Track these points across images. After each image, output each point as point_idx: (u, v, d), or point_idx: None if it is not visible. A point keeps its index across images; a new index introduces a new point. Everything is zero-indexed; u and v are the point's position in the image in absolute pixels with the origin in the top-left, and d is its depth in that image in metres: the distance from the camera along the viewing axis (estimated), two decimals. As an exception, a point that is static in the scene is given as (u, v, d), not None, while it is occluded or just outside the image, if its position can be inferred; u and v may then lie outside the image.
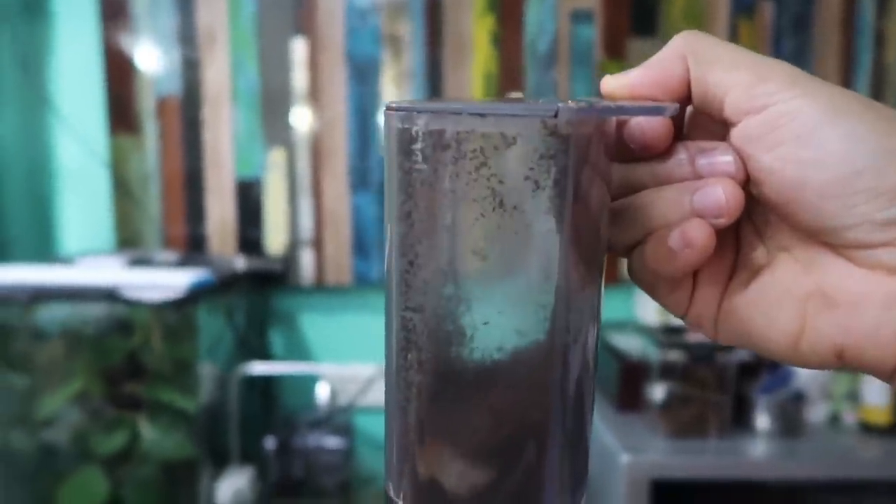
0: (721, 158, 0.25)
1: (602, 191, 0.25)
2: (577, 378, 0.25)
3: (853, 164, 0.22)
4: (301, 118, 1.32)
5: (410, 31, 1.31)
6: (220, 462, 1.13)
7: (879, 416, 1.04)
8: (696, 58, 0.25)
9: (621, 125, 0.26)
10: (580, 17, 1.32)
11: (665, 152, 0.26)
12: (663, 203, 0.26)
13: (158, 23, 1.30)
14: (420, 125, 0.23)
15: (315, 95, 1.32)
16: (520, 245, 0.23)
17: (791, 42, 1.35)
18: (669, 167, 0.26)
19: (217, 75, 1.31)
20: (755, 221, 0.27)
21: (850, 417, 1.08)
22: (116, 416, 1.05)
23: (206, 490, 1.07)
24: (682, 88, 0.25)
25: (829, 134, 0.22)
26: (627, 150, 0.26)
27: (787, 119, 0.23)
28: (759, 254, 0.26)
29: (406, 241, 0.24)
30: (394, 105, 0.24)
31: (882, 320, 0.23)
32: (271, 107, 1.32)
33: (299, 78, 1.32)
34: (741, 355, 1.08)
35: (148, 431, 1.05)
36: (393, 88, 1.32)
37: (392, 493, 0.27)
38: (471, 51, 1.32)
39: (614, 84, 0.26)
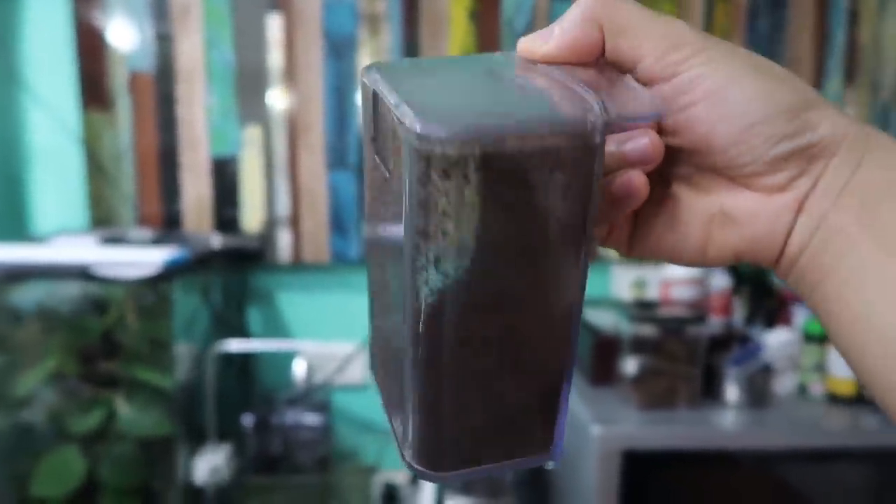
0: None
1: None
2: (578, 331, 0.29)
3: (750, 118, 0.27)
4: (277, 95, 1.31)
5: (388, 7, 1.30)
6: (197, 439, 1.13)
7: (845, 387, 1.07)
8: (608, 25, 0.28)
9: None
10: (557, -6, 1.32)
11: None
12: None
13: (130, -3, 1.28)
14: (458, 149, 0.23)
15: (291, 72, 1.31)
16: (550, 239, 0.25)
17: (766, 21, 1.36)
18: None
19: (191, 51, 1.30)
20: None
21: (816, 388, 1.10)
22: (92, 394, 1.05)
23: (183, 467, 1.08)
24: (598, 52, 0.28)
25: (729, 95, 0.27)
26: None
27: (694, 84, 0.27)
28: (664, 185, 0.31)
29: (445, 257, 0.24)
30: (428, 135, 0.23)
31: (771, 228, 0.28)
32: (247, 83, 1.31)
33: (275, 54, 1.31)
34: (712, 329, 1.10)
35: (124, 409, 1.05)
36: (369, 65, 1.31)
37: (410, 459, 0.28)
38: (448, 27, 1.31)
39: (538, 54, 0.29)
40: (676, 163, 0.30)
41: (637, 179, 0.28)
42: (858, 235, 0.27)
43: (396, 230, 0.26)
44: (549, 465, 0.30)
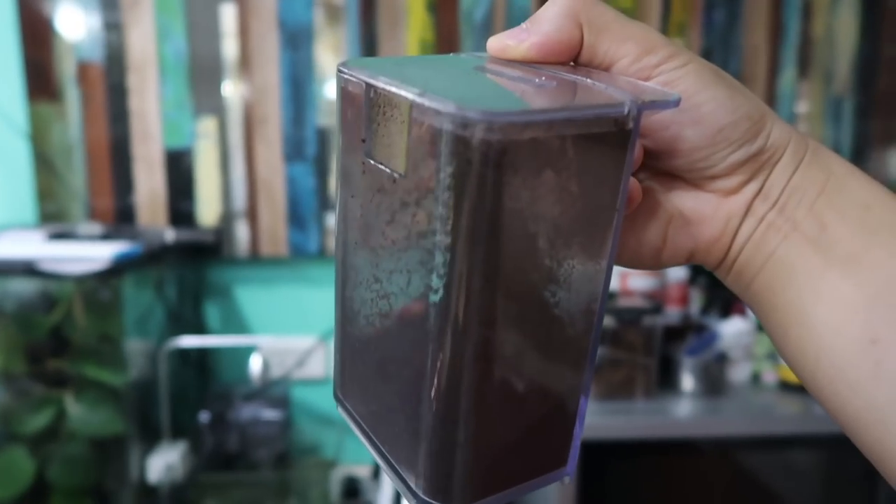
0: None
1: None
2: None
3: (718, 122, 0.28)
4: (232, 86, 1.29)
5: (344, -3, 1.28)
6: (151, 437, 1.11)
7: (797, 374, 1.09)
8: (589, 24, 0.27)
9: None
10: (516, -16, 1.31)
11: None
12: None
13: (78, -15, 1.24)
14: (513, 136, 0.22)
15: (246, 62, 1.28)
16: (590, 228, 0.25)
17: (722, 13, 1.37)
18: None
19: (142, 40, 1.26)
20: None
21: (770, 376, 1.12)
22: (41, 393, 1.02)
23: (136, 466, 1.06)
24: (576, 52, 0.28)
25: (700, 99, 0.27)
26: None
27: (668, 87, 0.27)
28: None
29: (490, 262, 0.23)
30: (473, 121, 0.21)
31: (723, 229, 0.30)
32: (201, 74, 1.28)
33: (230, 44, 1.28)
34: (668, 319, 1.11)
35: (74, 408, 1.02)
36: (327, 55, 1.29)
37: (414, 486, 0.26)
38: (406, 17, 1.30)
39: (513, 55, 0.28)
40: (642, 167, 0.30)
41: (636, 183, 0.29)
42: (790, 232, 0.28)
43: (406, 235, 0.24)
44: (566, 480, 0.29)
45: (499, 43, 0.28)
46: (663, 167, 0.30)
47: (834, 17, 1.40)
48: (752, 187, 0.29)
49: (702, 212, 0.30)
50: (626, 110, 0.24)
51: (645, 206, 0.30)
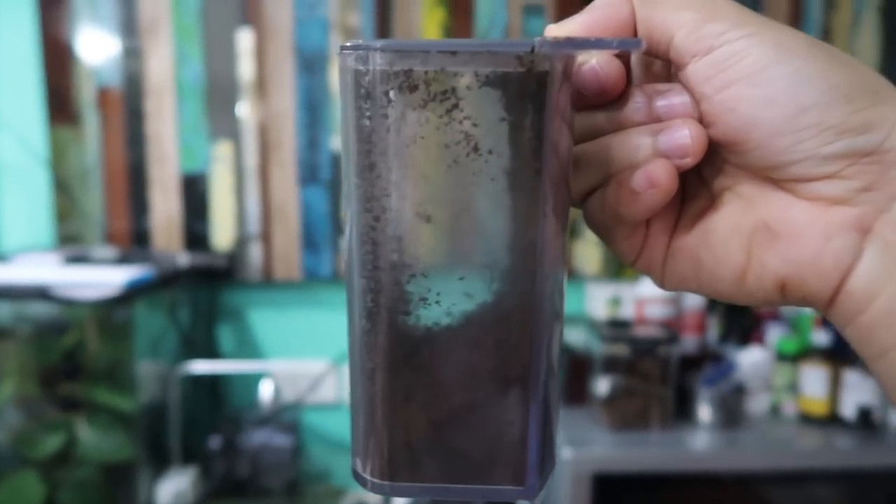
0: (678, 99, 0.25)
1: (569, 136, 0.24)
2: (552, 328, 0.24)
3: (801, 101, 0.22)
4: (248, 110, 1.30)
5: (360, 21, 1.29)
6: (161, 462, 1.10)
7: (818, 406, 1.06)
8: None
9: (575, 72, 0.26)
10: (532, 10, 1.31)
11: (620, 97, 0.26)
12: (624, 146, 0.25)
13: (99, 10, 1.26)
14: (384, 65, 0.21)
15: (262, 87, 1.29)
16: (498, 192, 0.22)
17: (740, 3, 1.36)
18: (627, 111, 0.26)
19: (160, 66, 1.28)
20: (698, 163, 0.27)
21: (790, 408, 1.09)
22: (53, 417, 1.02)
23: (145, 492, 1.05)
24: (629, 31, 0.25)
25: (777, 73, 0.22)
26: (581, 98, 0.26)
27: (735, 59, 0.23)
28: (703, 194, 0.27)
29: (371, 194, 0.22)
30: (350, 44, 0.22)
31: (822, 250, 0.23)
32: (217, 98, 1.29)
33: (246, 69, 1.29)
34: (684, 348, 1.09)
35: (85, 433, 1.02)
36: (342, 80, 1.30)
37: (360, 469, 0.25)
38: (421, 42, 1.30)
39: (560, 32, 0.25)
40: (717, 164, 0.26)
41: (659, 169, 0.24)
42: None
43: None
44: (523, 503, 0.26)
45: (552, 27, 0.26)
46: (742, 162, 0.24)
47: (854, 39, 1.38)
48: (870, 200, 0.22)
49: (792, 222, 0.24)
50: (532, 47, 0.21)
51: (724, 216, 0.25)
